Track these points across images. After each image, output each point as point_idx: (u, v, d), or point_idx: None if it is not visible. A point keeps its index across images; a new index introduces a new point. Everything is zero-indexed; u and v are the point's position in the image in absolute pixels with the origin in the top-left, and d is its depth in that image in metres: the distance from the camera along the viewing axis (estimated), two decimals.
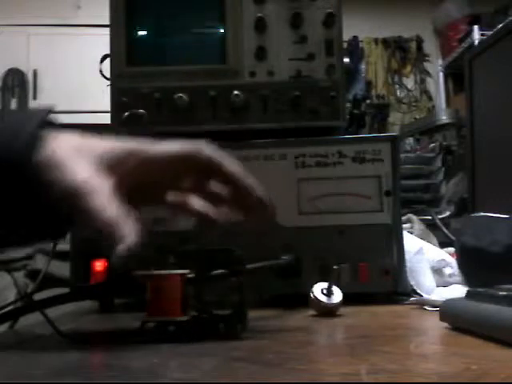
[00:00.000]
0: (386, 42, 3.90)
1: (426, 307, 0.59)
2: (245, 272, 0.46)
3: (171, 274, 0.45)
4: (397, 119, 3.71)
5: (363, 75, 3.43)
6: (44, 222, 0.46)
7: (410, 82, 3.92)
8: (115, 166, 0.45)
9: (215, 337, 0.44)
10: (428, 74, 3.92)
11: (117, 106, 0.73)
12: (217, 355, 0.39)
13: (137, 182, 0.46)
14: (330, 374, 0.33)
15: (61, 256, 0.73)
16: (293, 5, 0.73)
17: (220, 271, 0.46)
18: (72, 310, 0.65)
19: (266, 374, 0.34)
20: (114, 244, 0.41)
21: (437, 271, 0.71)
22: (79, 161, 0.44)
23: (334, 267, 0.58)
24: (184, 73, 0.73)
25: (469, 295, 0.46)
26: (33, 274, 0.99)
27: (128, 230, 0.42)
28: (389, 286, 0.67)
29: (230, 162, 0.47)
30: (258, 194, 0.47)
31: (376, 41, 3.89)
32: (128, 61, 0.73)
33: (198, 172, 0.48)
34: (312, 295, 0.57)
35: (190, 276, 0.45)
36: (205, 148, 0.47)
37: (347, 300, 0.58)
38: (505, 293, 0.41)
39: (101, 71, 0.77)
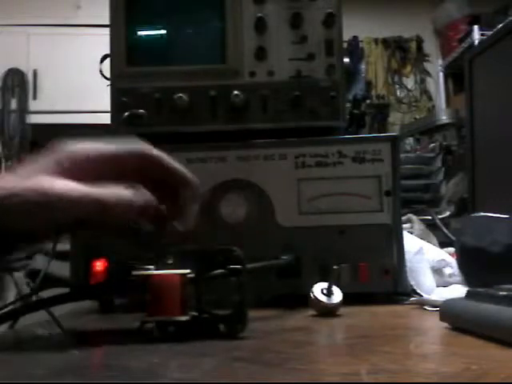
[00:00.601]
0: (385, 42, 3.90)
1: (426, 307, 0.59)
2: (245, 272, 0.46)
3: (171, 273, 0.45)
4: (397, 119, 3.71)
5: (363, 75, 3.43)
6: None
7: (410, 82, 3.92)
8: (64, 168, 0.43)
9: (215, 337, 0.44)
10: (428, 73, 3.92)
11: (117, 106, 0.73)
12: (217, 355, 0.39)
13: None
14: (330, 374, 0.33)
15: (61, 256, 0.73)
16: (293, 5, 0.73)
17: (220, 271, 0.46)
18: (72, 310, 0.65)
19: (265, 374, 0.34)
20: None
21: (437, 271, 0.71)
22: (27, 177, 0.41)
23: (334, 267, 0.58)
24: (184, 73, 0.73)
25: (469, 295, 0.46)
26: (33, 274, 0.99)
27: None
28: (389, 285, 0.67)
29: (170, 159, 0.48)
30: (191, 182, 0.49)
31: (376, 41, 3.89)
32: (128, 61, 0.73)
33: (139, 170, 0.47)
34: (312, 295, 0.57)
35: (190, 276, 0.45)
36: (145, 147, 0.47)
37: (347, 300, 0.58)
38: (505, 293, 0.41)
39: (101, 71, 0.77)
